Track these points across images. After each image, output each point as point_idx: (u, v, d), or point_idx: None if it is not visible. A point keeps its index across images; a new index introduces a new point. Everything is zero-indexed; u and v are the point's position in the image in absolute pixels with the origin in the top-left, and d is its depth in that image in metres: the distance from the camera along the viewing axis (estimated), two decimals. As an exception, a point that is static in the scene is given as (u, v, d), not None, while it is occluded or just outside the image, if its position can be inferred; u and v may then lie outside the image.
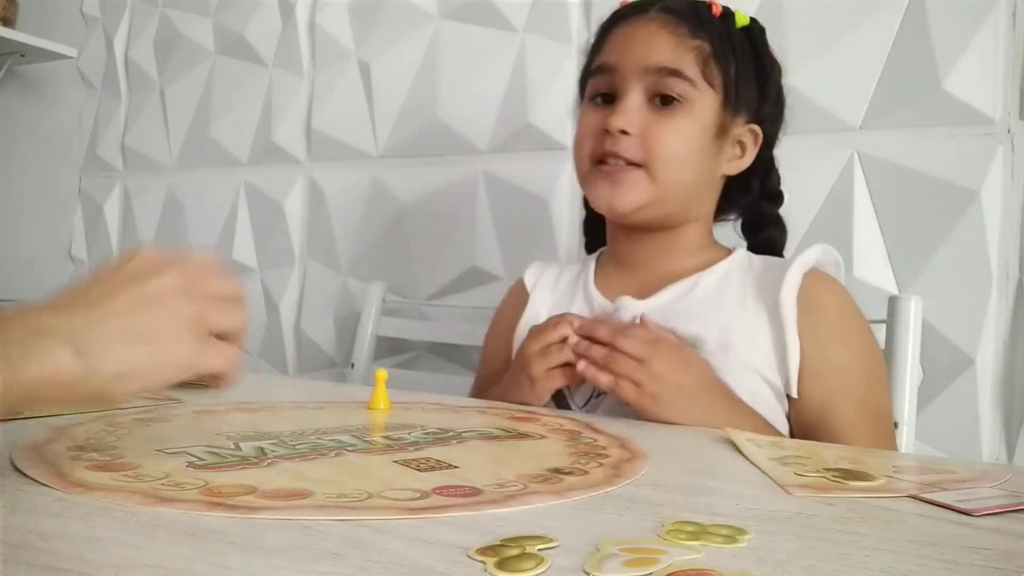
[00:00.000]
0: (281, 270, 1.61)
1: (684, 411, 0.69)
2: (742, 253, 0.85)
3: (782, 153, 1.04)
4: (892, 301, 0.88)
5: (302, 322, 1.57)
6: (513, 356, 0.88)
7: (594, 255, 0.92)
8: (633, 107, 0.77)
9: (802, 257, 0.79)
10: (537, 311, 0.90)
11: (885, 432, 0.78)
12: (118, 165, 1.88)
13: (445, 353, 1.38)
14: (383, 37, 1.47)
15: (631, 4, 0.84)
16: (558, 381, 0.75)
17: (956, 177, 1.00)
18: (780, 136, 0.88)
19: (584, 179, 0.83)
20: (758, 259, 0.84)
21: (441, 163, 1.41)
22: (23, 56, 1.83)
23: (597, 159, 0.80)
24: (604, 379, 0.69)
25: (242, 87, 1.66)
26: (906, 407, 0.85)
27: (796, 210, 1.08)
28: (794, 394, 0.75)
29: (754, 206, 0.88)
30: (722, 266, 0.82)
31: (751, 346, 0.76)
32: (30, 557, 0.31)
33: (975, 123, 1.00)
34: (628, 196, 0.78)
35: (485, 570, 0.31)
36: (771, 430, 0.74)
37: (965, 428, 0.99)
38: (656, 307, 0.80)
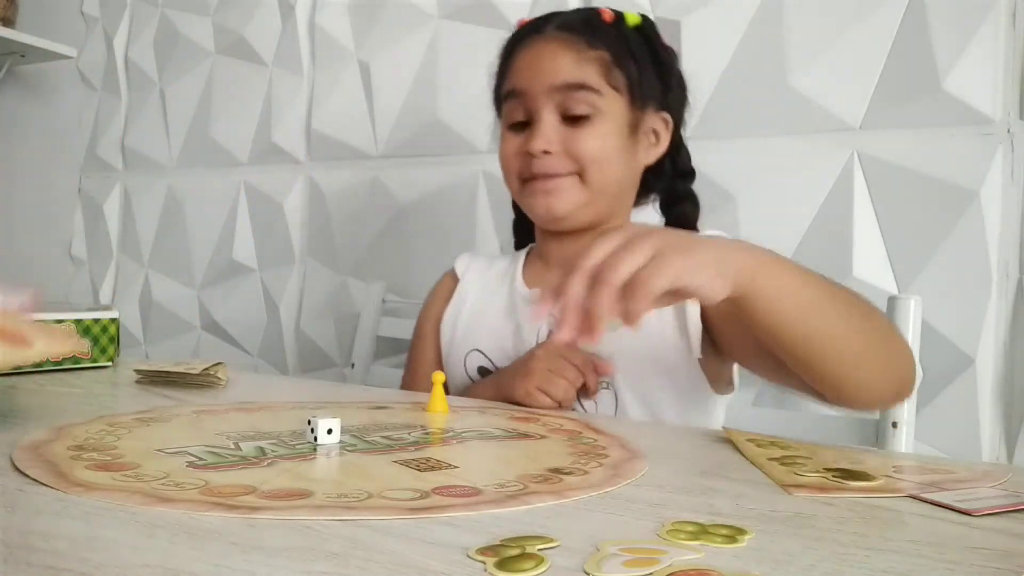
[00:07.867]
0: (281, 270, 1.60)
1: (703, 249, 0.56)
2: None
3: (781, 152, 1.04)
4: (892, 301, 0.88)
5: (302, 322, 1.57)
6: (444, 343, 0.94)
7: (523, 251, 0.97)
8: (549, 127, 0.83)
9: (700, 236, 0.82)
10: (464, 296, 0.95)
11: None
12: (118, 165, 1.88)
13: (445, 353, 1.38)
14: (383, 37, 1.47)
15: (528, 24, 0.89)
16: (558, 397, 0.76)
17: (956, 177, 1.00)
18: (686, 117, 0.92)
19: (518, 195, 0.89)
20: None
21: (441, 163, 1.41)
22: (23, 56, 1.84)
23: (526, 178, 0.86)
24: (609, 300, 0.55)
25: (242, 87, 1.66)
26: (906, 407, 0.85)
27: (796, 210, 1.09)
28: (697, 354, 0.80)
29: (669, 185, 0.93)
30: None
31: (657, 318, 0.80)
32: (30, 557, 0.31)
33: (975, 123, 1.00)
34: (563, 200, 0.84)
35: (485, 570, 0.31)
36: None
37: (965, 428, 0.99)
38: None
